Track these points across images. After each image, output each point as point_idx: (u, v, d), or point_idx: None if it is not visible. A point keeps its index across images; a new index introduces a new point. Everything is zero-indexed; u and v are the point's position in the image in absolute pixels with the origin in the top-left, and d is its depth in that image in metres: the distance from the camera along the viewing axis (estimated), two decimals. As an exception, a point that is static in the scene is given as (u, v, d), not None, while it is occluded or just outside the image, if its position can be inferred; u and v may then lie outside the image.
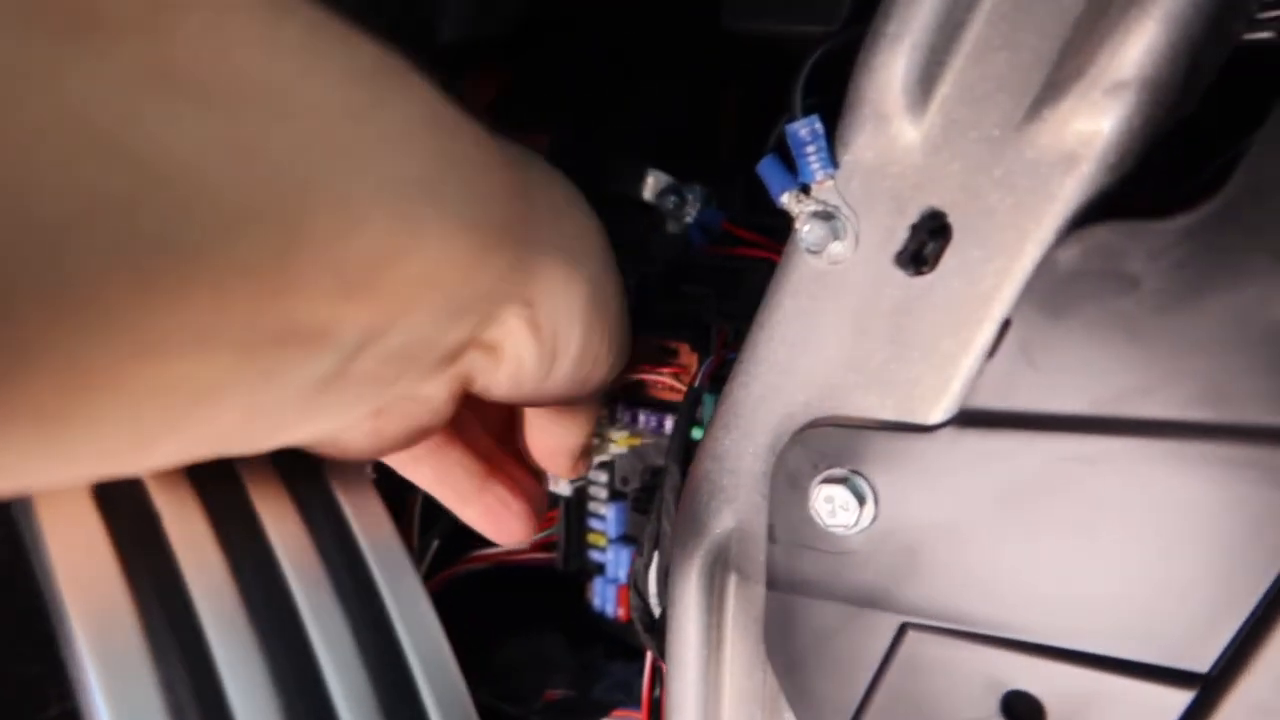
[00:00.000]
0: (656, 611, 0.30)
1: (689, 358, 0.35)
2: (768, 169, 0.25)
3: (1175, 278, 0.19)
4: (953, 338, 0.22)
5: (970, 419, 0.22)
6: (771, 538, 0.25)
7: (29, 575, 0.16)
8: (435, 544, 0.40)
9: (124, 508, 0.17)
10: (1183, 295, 0.19)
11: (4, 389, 0.12)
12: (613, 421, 0.37)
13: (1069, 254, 0.20)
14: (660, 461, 0.36)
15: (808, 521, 0.24)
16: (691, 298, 0.35)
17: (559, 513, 0.40)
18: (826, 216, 0.24)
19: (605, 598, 0.40)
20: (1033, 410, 0.21)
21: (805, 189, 0.24)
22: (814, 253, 0.24)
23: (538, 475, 0.33)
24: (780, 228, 0.25)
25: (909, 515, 0.23)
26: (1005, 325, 0.21)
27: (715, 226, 0.35)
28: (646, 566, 0.30)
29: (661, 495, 0.29)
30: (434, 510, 0.36)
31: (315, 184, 0.15)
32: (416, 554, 0.40)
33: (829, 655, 0.24)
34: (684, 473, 0.29)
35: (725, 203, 0.36)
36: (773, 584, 0.25)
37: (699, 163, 0.37)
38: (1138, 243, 0.19)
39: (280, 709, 0.16)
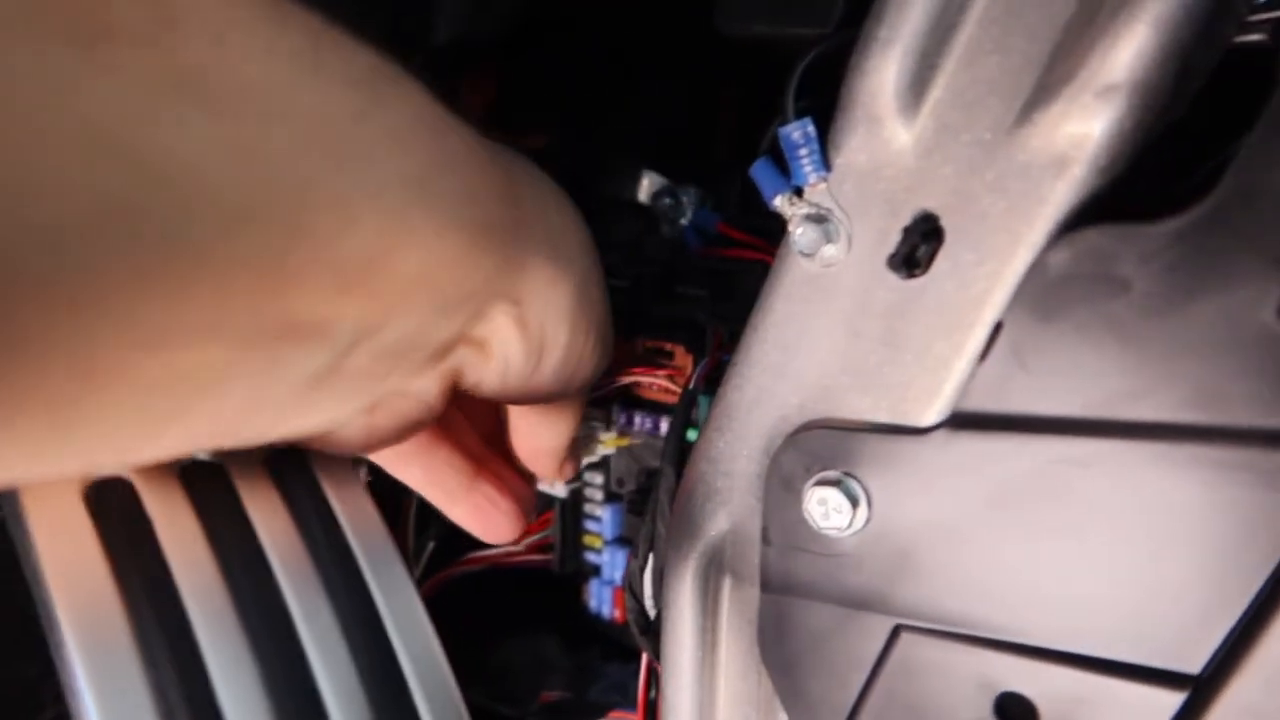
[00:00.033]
0: (652, 613, 0.30)
1: (684, 359, 0.35)
2: (761, 172, 0.25)
3: (1166, 281, 0.19)
4: (945, 340, 0.22)
5: (963, 421, 0.22)
6: (765, 540, 0.25)
7: (25, 576, 0.16)
8: (430, 546, 0.40)
9: (114, 508, 0.17)
10: (1173, 298, 0.19)
11: (21, 378, 0.13)
12: (609, 424, 0.37)
13: (1060, 257, 0.20)
14: (656, 463, 0.36)
15: (801, 524, 0.24)
16: (687, 300, 0.35)
17: (555, 514, 0.40)
18: (819, 219, 0.24)
19: (601, 599, 0.41)
20: (1025, 413, 0.21)
21: (798, 192, 0.24)
22: (807, 255, 0.24)
23: (527, 476, 0.33)
24: (776, 229, 0.25)
25: (902, 517, 0.23)
26: (997, 328, 0.21)
27: (710, 228, 0.35)
28: (642, 568, 0.30)
29: (656, 497, 0.29)
30: (429, 512, 0.36)
31: (313, 185, 0.15)
32: (412, 556, 0.40)
33: (823, 657, 0.24)
34: (679, 475, 0.29)
35: (720, 204, 0.36)
36: (767, 586, 0.25)
37: (694, 164, 0.37)
38: (1128, 246, 0.19)
39: (271, 710, 0.16)
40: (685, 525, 0.27)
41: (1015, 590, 0.21)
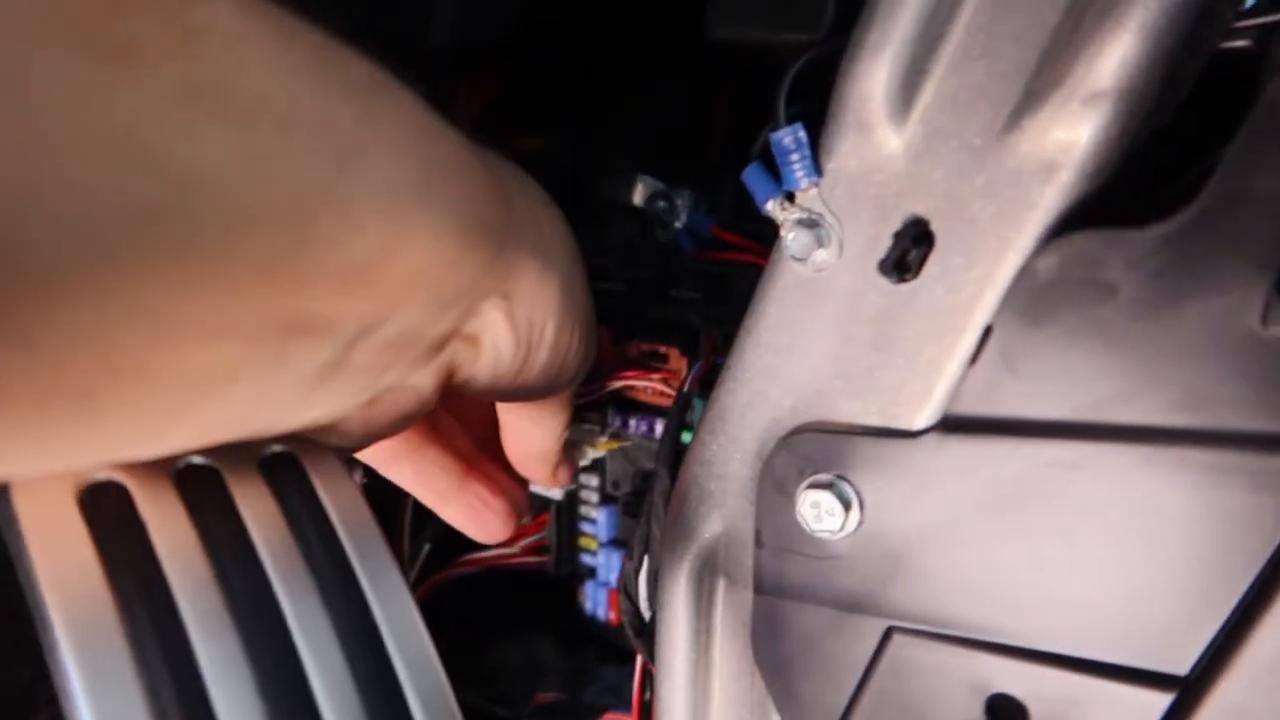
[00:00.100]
0: (646, 615, 0.30)
1: (678, 362, 0.35)
2: (753, 176, 0.25)
3: (1153, 286, 0.19)
4: (936, 344, 0.23)
5: (953, 425, 0.22)
6: (758, 542, 0.25)
7: (18, 579, 0.16)
8: (426, 548, 0.40)
9: (107, 510, 0.17)
10: (1160, 303, 0.19)
11: (51, 369, 0.14)
12: (604, 427, 0.37)
13: (1049, 262, 0.20)
14: (651, 466, 0.36)
15: (794, 526, 0.24)
16: (681, 303, 0.35)
17: (550, 517, 0.40)
18: (811, 224, 0.24)
19: (597, 601, 0.41)
20: (1015, 416, 0.21)
21: (790, 196, 0.24)
22: (799, 260, 0.24)
23: (519, 478, 0.33)
24: (770, 233, 0.25)
25: (894, 520, 0.23)
26: (987, 332, 0.22)
27: (705, 232, 0.35)
28: (636, 570, 0.30)
29: (651, 499, 0.30)
30: (425, 515, 0.36)
31: (319, 190, 0.16)
32: (408, 558, 0.40)
33: (816, 659, 0.24)
34: (673, 477, 0.29)
35: (715, 208, 0.36)
36: (760, 588, 0.25)
37: (690, 165, 0.38)
38: (1116, 251, 0.19)
39: (264, 711, 0.16)
40: (679, 528, 0.28)
41: (1006, 592, 0.21)
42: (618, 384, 0.35)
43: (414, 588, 0.39)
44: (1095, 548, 0.20)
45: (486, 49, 0.39)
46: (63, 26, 0.13)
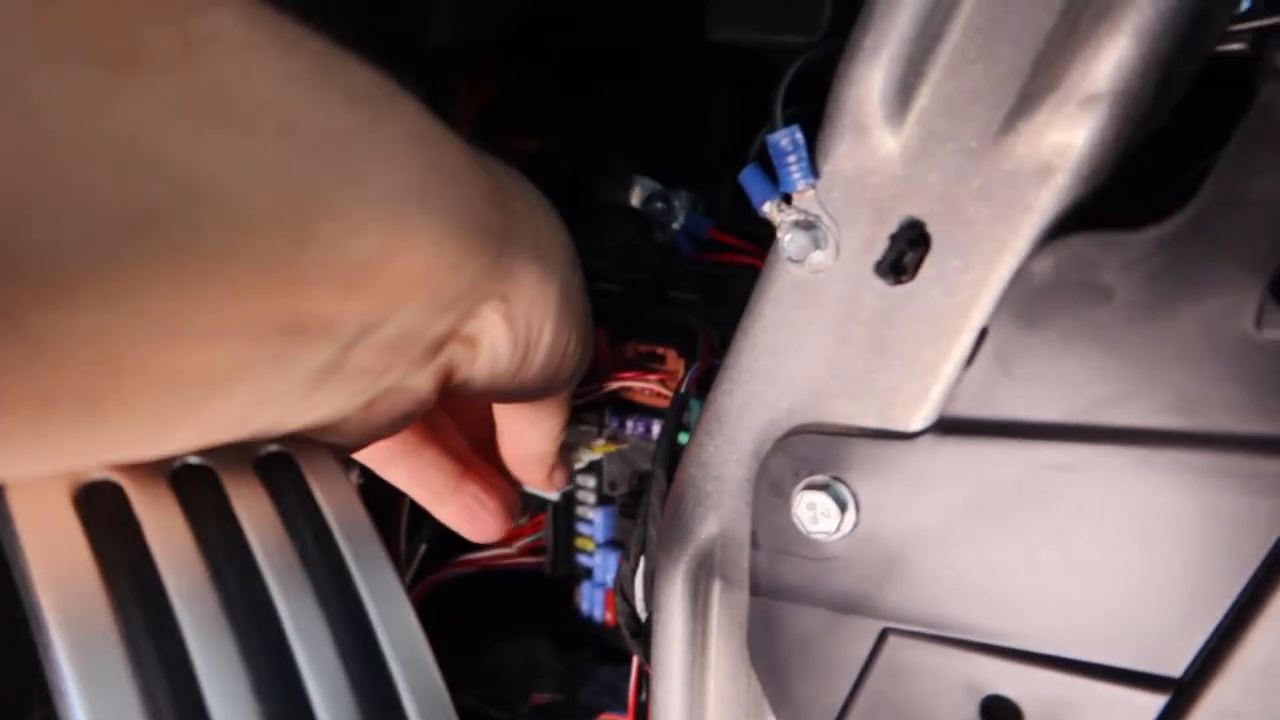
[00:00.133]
0: (643, 616, 0.30)
1: (676, 364, 0.35)
2: (750, 178, 0.25)
3: (1148, 288, 0.19)
4: (932, 346, 0.23)
5: (949, 427, 0.22)
6: (754, 544, 0.25)
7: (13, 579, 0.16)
8: (422, 548, 0.40)
9: (102, 510, 0.17)
10: (1155, 306, 0.19)
11: (55, 370, 0.14)
12: (601, 428, 0.37)
13: (1044, 264, 0.20)
14: (648, 467, 0.36)
15: (790, 528, 0.24)
16: (678, 304, 0.35)
17: (547, 517, 0.40)
18: (808, 226, 0.24)
19: (593, 602, 0.41)
20: (1010, 418, 0.21)
21: (787, 198, 0.24)
22: (796, 262, 0.24)
23: (514, 481, 0.33)
24: (767, 234, 0.25)
25: (889, 521, 0.23)
26: (982, 334, 0.22)
27: (702, 233, 0.35)
28: (633, 571, 0.30)
29: (648, 500, 0.30)
30: (421, 516, 0.36)
31: (320, 194, 0.16)
32: (403, 558, 0.40)
33: (811, 660, 0.24)
34: (670, 478, 0.29)
35: (712, 209, 0.36)
36: (756, 589, 0.25)
37: (687, 166, 0.38)
38: (1111, 254, 0.19)
39: (259, 711, 0.16)
40: (676, 529, 0.28)
41: (1001, 594, 0.21)
42: (615, 385, 0.35)
43: (410, 588, 0.39)
44: (1090, 550, 0.20)
45: (486, 49, 0.39)
46: (67, 34, 0.13)
